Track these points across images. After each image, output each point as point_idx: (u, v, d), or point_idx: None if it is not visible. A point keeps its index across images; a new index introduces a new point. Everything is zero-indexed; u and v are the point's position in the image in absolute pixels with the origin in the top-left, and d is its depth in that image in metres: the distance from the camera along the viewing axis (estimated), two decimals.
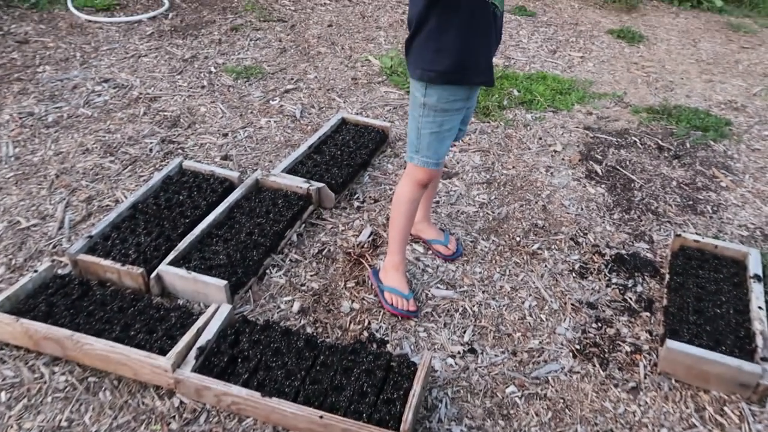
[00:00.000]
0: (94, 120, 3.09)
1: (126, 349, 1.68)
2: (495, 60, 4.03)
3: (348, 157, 2.72)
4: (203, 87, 3.49)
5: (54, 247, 2.23)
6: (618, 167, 2.95)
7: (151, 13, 4.42)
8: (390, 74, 3.77)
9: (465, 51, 1.71)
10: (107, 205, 2.46)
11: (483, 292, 2.14)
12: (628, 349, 1.95)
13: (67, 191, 2.53)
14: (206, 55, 3.89)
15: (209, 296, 1.96)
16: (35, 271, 1.95)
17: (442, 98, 1.79)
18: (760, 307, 1.98)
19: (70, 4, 4.40)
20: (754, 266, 2.17)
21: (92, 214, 2.41)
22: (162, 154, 2.82)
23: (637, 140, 3.21)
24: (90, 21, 4.26)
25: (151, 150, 2.85)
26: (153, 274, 1.98)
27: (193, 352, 1.70)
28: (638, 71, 4.09)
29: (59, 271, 2.07)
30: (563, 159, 3.01)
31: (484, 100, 3.45)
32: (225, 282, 1.93)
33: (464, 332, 1.97)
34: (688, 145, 3.18)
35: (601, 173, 2.90)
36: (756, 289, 2.06)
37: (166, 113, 3.18)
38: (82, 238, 2.10)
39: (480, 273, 2.22)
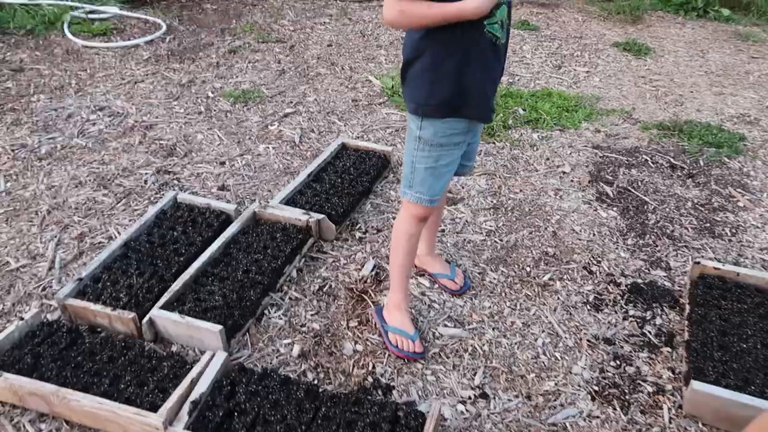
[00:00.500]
0: (88, 151, 3.01)
1: (115, 406, 1.57)
2: None
3: (349, 185, 2.62)
4: (200, 113, 3.42)
5: (44, 289, 2.14)
6: (630, 188, 2.84)
7: (148, 37, 4.36)
8: (391, 95, 3.68)
9: (461, 84, 1.61)
10: (100, 243, 2.37)
11: (493, 329, 2.02)
12: (650, 389, 1.83)
13: (59, 228, 2.45)
14: (204, 79, 3.82)
15: (204, 342, 1.86)
16: (21, 319, 1.85)
17: (438, 132, 1.69)
18: None
19: (66, 30, 4.35)
20: None
21: (84, 253, 2.32)
22: (157, 186, 2.73)
23: (649, 159, 3.10)
24: (86, 47, 4.21)
25: (145, 182, 2.76)
26: (145, 319, 1.88)
27: (186, 407, 1.59)
28: (646, 85, 3.99)
29: (48, 317, 1.98)
30: (572, 181, 2.91)
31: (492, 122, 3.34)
32: (220, 327, 1.82)
33: (474, 374, 1.86)
34: (701, 163, 3.07)
35: (612, 195, 2.79)
36: None
37: (162, 142, 3.10)
38: (72, 281, 2.00)
39: (489, 308, 2.11)
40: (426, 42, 1.59)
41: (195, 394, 1.62)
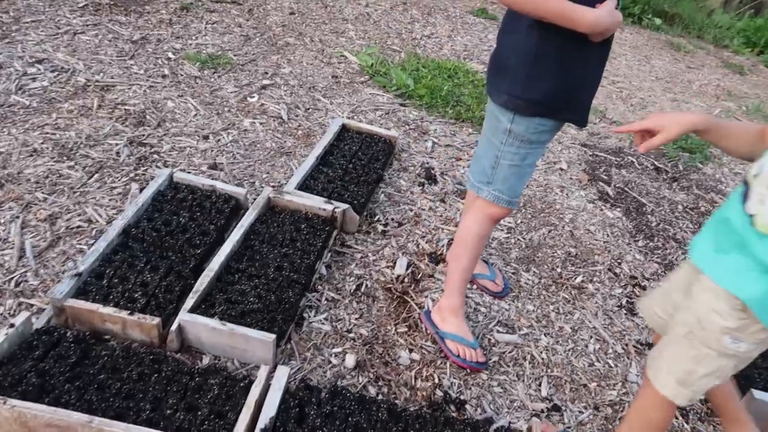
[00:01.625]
0: (35, 111, 2.50)
1: None
2: (476, 66, 3.87)
3: (362, 171, 2.40)
4: (164, 76, 2.98)
5: (17, 284, 1.72)
6: (626, 189, 2.89)
7: None
8: (372, 74, 3.46)
9: (563, 83, 1.46)
10: (79, 227, 1.96)
11: (545, 335, 1.94)
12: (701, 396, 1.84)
13: (20, 206, 1.99)
14: (159, 38, 3.34)
15: (248, 352, 1.59)
16: (11, 326, 1.46)
17: (531, 127, 1.54)
18: None
19: None
20: None
21: (61, 239, 1.90)
22: (134, 160, 2.33)
23: (634, 160, 3.17)
24: None
25: (118, 154, 2.34)
26: (174, 326, 1.57)
27: None
28: (611, 86, 4.10)
29: (34, 320, 1.59)
30: (571, 178, 2.90)
31: (479, 110, 3.25)
32: (273, 336, 1.56)
33: (540, 385, 1.76)
34: (681, 168, 3.20)
35: (612, 195, 2.82)
36: None
37: (126, 107, 2.65)
38: (68, 277, 1.62)
39: (534, 312, 2.02)
40: (533, 30, 1.42)
41: (264, 421, 1.37)
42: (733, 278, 1.12)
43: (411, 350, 1.78)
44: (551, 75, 1.45)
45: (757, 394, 1.74)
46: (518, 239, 2.37)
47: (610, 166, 3.07)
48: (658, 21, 5.84)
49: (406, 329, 1.84)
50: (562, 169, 2.95)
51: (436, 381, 1.69)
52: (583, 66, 1.47)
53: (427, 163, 2.72)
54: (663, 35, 5.70)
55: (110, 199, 2.11)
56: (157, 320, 1.56)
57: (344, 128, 2.69)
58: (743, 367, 1.22)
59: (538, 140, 1.58)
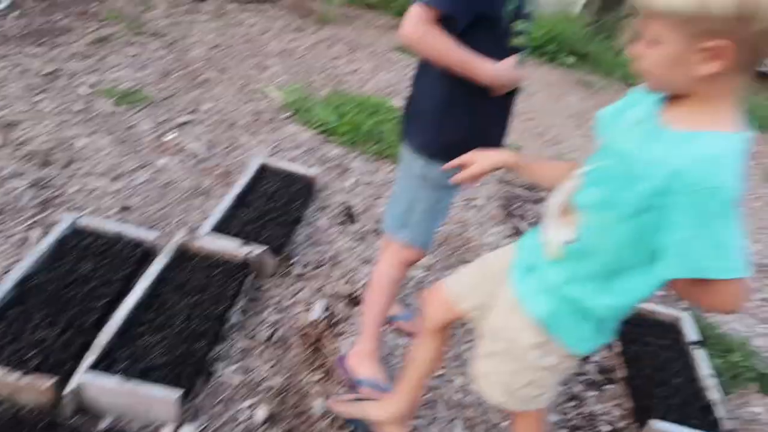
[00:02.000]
0: None
1: None
2: (398, 102, 3.95)
3: (281, 212, 2.39)
4: (76, 113, 2.87)
5: None
6: (538, 224, 3.01)
7: None
8: (295, 111, 3.46)
9: (470, 128, 1.52)
10: None
11: (460, 374, 1.97)
12: (607, 428, 1.93)
13: None
14: (72, 72, 3.22)
15: (152, 412, 1.53)
16: None
17: (446, 173, 1.60)
18: (712, 375, 2.09)
19: None
20: (690, 331, 2.30)
21: None
22: (37, 204, 2.22)
23: (546, 195, 3.31)
24: None
25: (19, 197, 2.23)
26: (70, 387, 1.49)
27: None
28: (528, 122, 4.29)
29: None
30: (487, 215, 2.99)
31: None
32: (178, 393, 1.51)
33: (453, 427, 1.78)
34: None
35: (526, 231, 2.92)
36: (699, 356, 2.18)
37: (32, 146, 2.53)
38: None
39: (449, 352, 2.06)
40: (444, 77, 1.47)
41: None
42: (529, 297, 1.21)
43: (326, 398, 1.76)
44: (460, 122, 1.51)
45: (656, 424, 1.83)
46: (436, 278, 2.41)
47: (525, 202, 3.19)
48: (570, 60, 6.18)
49: (322, 376, 1.83)
50: (478, 206, 3.04)
51: (352, 429, 1.68)
52: (486, 116, 1.54)
53: (348, 202, 2.74)
54: (574, 73, 6.03)
55: (7, 248, 1.99)
56: (50, 382, 1.47)
57: (263, 168, 2.68)
58: (565, 376, 1.30)
59: (452, 185, 1.63)
